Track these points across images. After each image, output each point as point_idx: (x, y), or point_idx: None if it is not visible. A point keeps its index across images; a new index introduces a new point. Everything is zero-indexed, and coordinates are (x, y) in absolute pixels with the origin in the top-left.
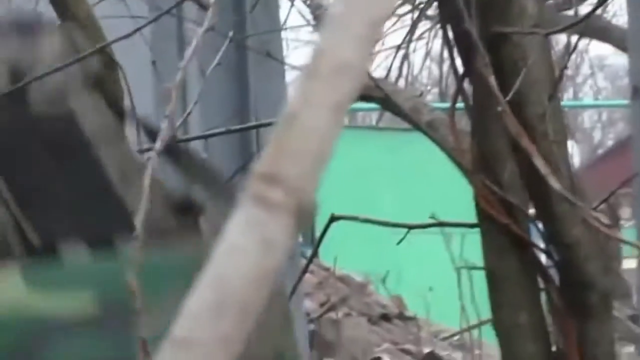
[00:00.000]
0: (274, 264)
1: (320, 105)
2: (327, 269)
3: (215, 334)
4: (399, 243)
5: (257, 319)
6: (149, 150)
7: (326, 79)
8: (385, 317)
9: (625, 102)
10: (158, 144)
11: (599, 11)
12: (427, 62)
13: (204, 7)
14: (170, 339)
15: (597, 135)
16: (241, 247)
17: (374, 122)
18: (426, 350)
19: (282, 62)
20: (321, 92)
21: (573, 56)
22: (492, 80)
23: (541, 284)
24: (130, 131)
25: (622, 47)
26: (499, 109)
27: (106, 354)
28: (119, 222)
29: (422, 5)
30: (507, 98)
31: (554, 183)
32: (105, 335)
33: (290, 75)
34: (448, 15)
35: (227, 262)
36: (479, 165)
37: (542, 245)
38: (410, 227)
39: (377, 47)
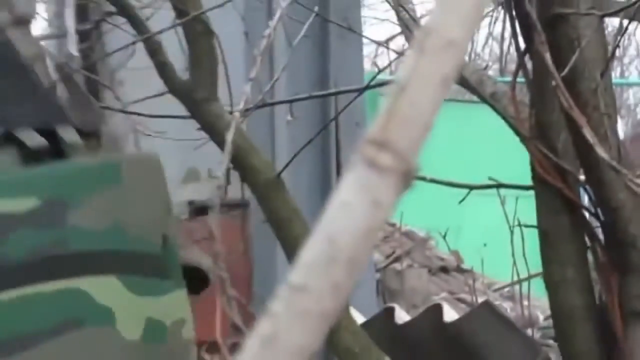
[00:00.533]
0: (381, 221)
1: (428, 78)
2: (393, 225)
3: (326, 282)
4: (460, 202)
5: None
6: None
7: (433, 55)
8: (444, 269)
9: None
10: (241, 106)
11: None
12: (489, 41)
13: None
14: (287, 285)
15: None
16: (352, 205)
17: None
18: (480, 299)
19: (360, 36)
20: (428, 67)
21: (622, 38)
22: (549, 57)
23: (588, 243)
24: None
25: None
26: (554, 83)
27: (45, 242)
28: (57, 115)
29: None
30: (563, 73)
31: (601, 152)
32: (45, 227)
33: (367, 49)
34: None
35: (338, 219)
36: (536, 134)
37: (590, 207)
38: (472, 188)
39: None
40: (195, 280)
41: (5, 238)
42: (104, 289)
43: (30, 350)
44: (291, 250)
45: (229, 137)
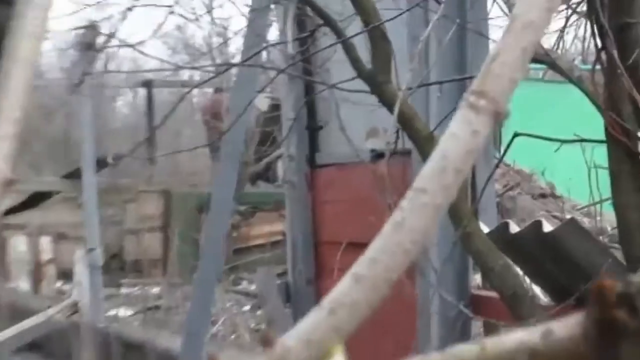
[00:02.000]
0: (477, 145)
1: (512, 48)
2: (508, 165)
3: (440, 185)
4: (556, 150)
5: None
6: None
7: (517, 33)
8: (543, 195)
9: None
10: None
11: None
12: (575, 40)
13: (438, 2)
14: (412, 189)
15: None
16: (458, 134)
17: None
18: (568, 216)
19: (488, 39)
20: (513, 41)
21: None
22: (616, 54)
23: None
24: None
25: None
26: (619, 71)
27: None
28: None
29: (573, 5)
30: (629, 62)
31: None
32: None
33: (492, 46)
34: (592, 11)
35: (449, 144)
36: (609, 105)
37: None
38: (563, 141)
39: (546, 29)
40: None
41: None
42: None
43: None
44: None
45: (397, 107)
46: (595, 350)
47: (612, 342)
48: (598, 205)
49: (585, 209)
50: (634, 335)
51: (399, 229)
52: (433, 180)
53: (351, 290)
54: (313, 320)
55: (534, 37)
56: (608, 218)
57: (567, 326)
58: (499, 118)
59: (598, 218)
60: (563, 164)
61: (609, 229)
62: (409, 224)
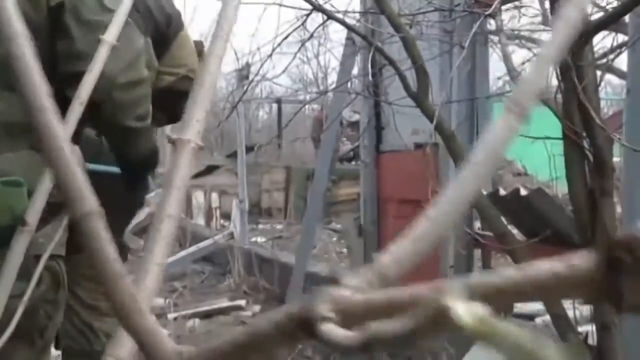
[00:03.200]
0: (513, 135)
1: (535, 75)
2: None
3: (485, 158)
4: (531, 144)
5: None
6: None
7: (540, 64)
8: (519, 174)
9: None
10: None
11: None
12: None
13: (462, 47)
14: (469, 160)
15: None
16: (500, 128)
17: None
18: (535, 187)
19: (488, 75)
20: (536, 69)
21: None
22: (577, 82)
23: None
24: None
25: None
26: (578, 91)
27: None
28: None
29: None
30: (581, 85)
31: (597, 118)
32: None
33: None
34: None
35: (492, 134)
36: (565, 116)
37: (587, 147)
38: (535, 138)
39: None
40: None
41: None
42: None
43: None
44: (459, 161)
45: (436, 117)
46: (604, 278)
47: (615, 274)
48: (555, 180)
49: (546, 183)
50: (630, 268)
51: (461, 187)
52: (482, 157)
53: (425, 228)
54: (399, 247)
55: (549, 67)
56: (561, 188)
57: (584, 261)
58: (525, 118)
59: (555, 188)
60: (533, 154)
61: (560, 195)
62: (467, 184)
